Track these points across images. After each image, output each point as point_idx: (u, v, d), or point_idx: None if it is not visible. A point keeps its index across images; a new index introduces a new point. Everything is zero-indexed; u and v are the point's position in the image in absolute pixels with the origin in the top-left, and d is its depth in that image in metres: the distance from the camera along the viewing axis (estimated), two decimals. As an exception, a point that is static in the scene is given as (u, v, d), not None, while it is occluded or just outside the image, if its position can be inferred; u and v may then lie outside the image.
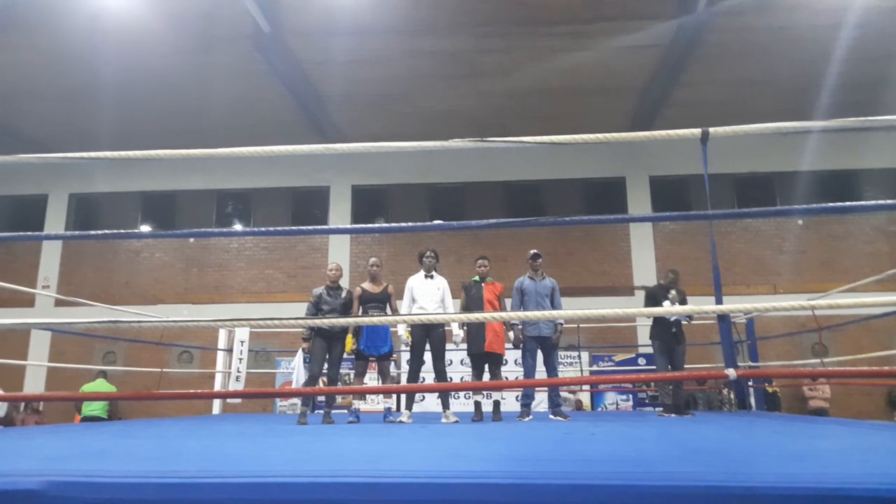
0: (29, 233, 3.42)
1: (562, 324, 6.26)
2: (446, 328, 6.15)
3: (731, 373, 2.38)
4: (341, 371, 6.92)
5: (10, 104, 10.67)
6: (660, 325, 6.55)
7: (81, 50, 8.91)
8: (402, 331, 6.03)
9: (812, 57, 9.22)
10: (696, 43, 8.81)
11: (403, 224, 3.94)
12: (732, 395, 8.35)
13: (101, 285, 12.31)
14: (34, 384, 11.84)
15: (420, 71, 9.69)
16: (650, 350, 10.92)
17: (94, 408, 9.08)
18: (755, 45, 9.05)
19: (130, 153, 3.05)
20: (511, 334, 6.11)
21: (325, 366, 5.97)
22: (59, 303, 11.65)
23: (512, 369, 9.00)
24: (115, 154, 3.06)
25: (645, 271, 11.76)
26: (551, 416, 6.16)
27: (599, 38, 8.84)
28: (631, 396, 10.24)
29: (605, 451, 2.61)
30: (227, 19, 8.36)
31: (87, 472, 1.79)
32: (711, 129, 2.74)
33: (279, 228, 3.93)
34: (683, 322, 6.63)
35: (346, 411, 6.77)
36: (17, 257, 12.60)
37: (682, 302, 6.37)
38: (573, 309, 3.29)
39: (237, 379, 8.63)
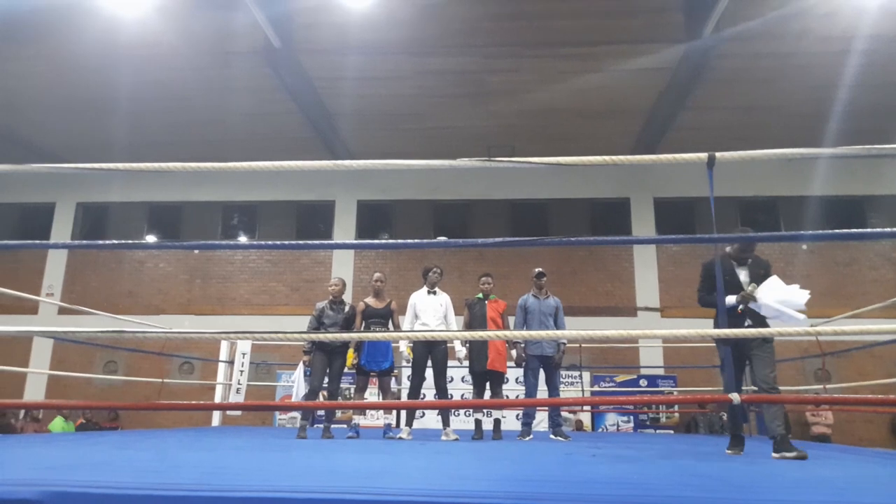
0: (33, 241, 3.43)
1: (565, 343, 6.25)
2: (449, 345, 6.14)
3: (735, 397, 2.37)
4: (342, 385, 6.91)
5: (25, 115, 10.76)
6: (727, 318, 3.93)
7: (96, 62, 8.99)
8: (404, 347, 6.02)
9: (819, 84, 9.25)
10: (702, 68, 8.85)
11: (409, 241, 3.95)
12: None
13: (104, 294, 12.32)
14: (35, 392, 11.82)
15: (428, 90, 9.75)
16: (652, 371, 10.93)
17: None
18: (762, 71, 9.09)
19: (139, 165, 3.08)
20: (514, 352, 6.10)
21: (326, 380, 5.97)
22: (62, 311, 11.65)
23: (513, 387, 8.97)
24: (124, 166, 3.09)
25: (648, 292, 11.73)
26: (552, 436, 6.13)
27: (607, 61, 8.90)
28: (632, 418, 10.18)
29: (607, 474, 2.59)
30: (239, 34, 8.44)
31: (86, 482, 1.79)
32: (718, 154, 2.75)
33: (284, 242, 3.94)
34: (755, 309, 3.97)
35: (345, 426, 6.74)
36: (22, 264, 12.63)
37: (763, 278, 4.03)
38: (575, 328, 3.28)
39: (237, 391, 8.60)
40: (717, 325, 3.92)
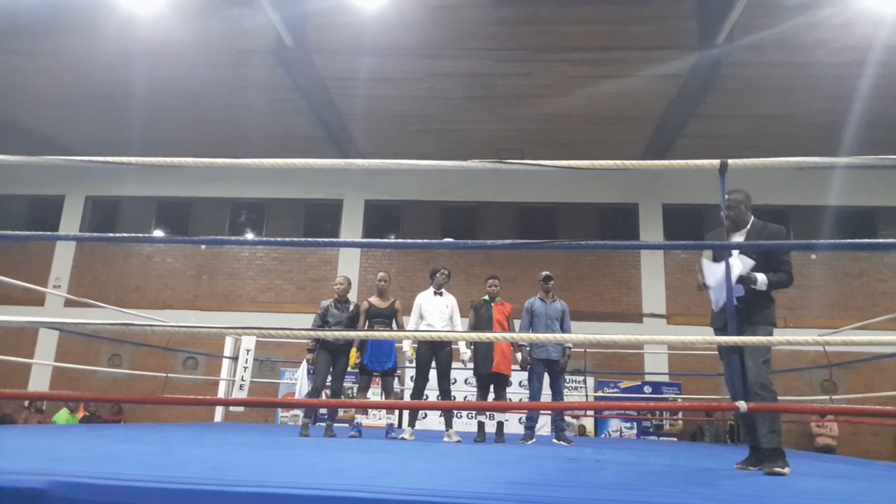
0: (40, 232, 3.46)
1: (570, 347, 6.23)
2: (454, 347, 6.13)
3: (742, 405, 2.35)
4: (345, 384, 6.91)
5: (40, 110, 10.84)
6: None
7: (112, 59, 9.04)
8: (407, 347, 6.02)
9: (833, 94, 9.20)
10: (714, 76, 8.83)
11: (416, 241, 3.95)
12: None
13: (111, 288, 12.37)
14: (39, 383, 11.88)
15: (439, 92, 9.76)
16: (656, 378, 10.88)
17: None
18: (774, 81, 9.05)
19: (148, 160, 3.08)
20: (519, 356, 6.08)
21: (329, 378, 5.97)
22: (68, 303, 11.72)
23: (517, 391, 8.95)
24: (134, 160, 3.09)
25: (654, 299, 11.70)
26: (554, 441, 6.12)
27: (618, 67, 8.88)
28: (635, 424, 10.15)
29: (611, 479, 2.58)
30: (252, 33, 8.47)
31: (93, 473, 1.80)
32: (730, 161, 2.74)
33: (291, 240, 3.97)
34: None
35: (347, 425, 6.74)
36: (30, 256, 12.70)
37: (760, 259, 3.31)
38: (580, 333, 3.27)
39: (241, 387, 8.62)
40: (715, 318, 3.56)
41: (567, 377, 8.03)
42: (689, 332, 3.50)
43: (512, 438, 6.24)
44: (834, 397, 7.88)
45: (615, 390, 10.48)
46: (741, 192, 3.54)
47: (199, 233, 12.77)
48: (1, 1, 7.82)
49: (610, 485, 2.39)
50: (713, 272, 3.37)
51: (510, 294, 7.23)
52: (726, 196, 3.37)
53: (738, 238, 3.47)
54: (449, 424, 5.84)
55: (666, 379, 10.73)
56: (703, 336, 2.67)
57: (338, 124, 10.84)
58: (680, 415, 9.95)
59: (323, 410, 7.20)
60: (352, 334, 5.55)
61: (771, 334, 3.30)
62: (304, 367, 7.53)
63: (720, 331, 3.48)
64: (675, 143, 10.83)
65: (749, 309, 3.29)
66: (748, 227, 3.51)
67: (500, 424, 6.05)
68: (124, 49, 8.79)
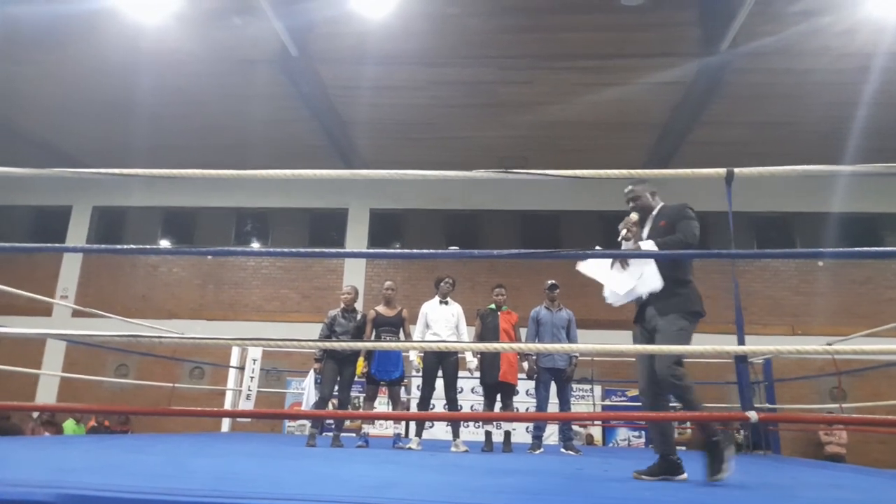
0: (46, 244, 3.48)
1: (577, 356, 6.22)
2: (460, 355, 6.13)
3: (753, 415, 2.34)
4: (352, 394, 6.91)
5: (47, 118, 10.89)
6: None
7: (117, 68, 9.10)
8: (414, 356, 6.02)
9: (836, 101, 9.18)
10: (718, 83, 8.82)
11: (424, 251, 3.96)
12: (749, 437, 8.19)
13: (117, 297, 12.40)
14: (47, 393, 11.90)
15: (442, 100, 9.79)
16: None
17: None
18: (778, 88, 9.04)
19: (154, 171, 3.09)
20: (525, 364, 6.07)
21: (336, 388, 5.97)
22: (76, 313, 11.74)
23: (524, 400, 8.93)
24: (140, 172, 3.10)
25: (660, 307, 11.64)
26: (562, 450, 6.10)
27: (622, 74, 8.89)
28: (643, 433, 10.09)
29: (619, 490, 2.57)
30: (257, 43, 8.52)
31: (100, 485, 1.80)
32: (736, 170, 2.73)
33: (296, 250, 4.00)
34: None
35: (354, 435, 6.73)
36: (37, 267, 12.75)
37: (660, 230, 3.46)
38: (586, 341, 3.27)
39: (248, 397, 8.62)
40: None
41: (574, 386, 8.01)
42: (696, 340, 3.48)
43: (519, 448, 6.22)
44: (843, 405, 7.82)
45: (623, 399, 10.43)
46: (640, 181, 3.65)
47: (205, 242, 12.80)
48: (6, 11, 7.89)
49: (619, 495, 2.37)
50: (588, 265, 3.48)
51: (515, 302, 7.22)
52: (626, 189, 3.66)
53: (648, 225, 3.60)
54: (456, 434, 5.83)
55: (673, 387, 10.66)
56: (711, 346, 2.66)
57: (341, 132, 10.88)
58: (688, 423, 9.88)
59: (330, 420, 7.20)
60: (359, 345, 5.55)
61: (686, 325, 3.24)
62: (311, 376, 7.52)
63: (639, 326, 3.52)
64: (679, 150, 10.81)
65: (659, 296, 3.29)
66: (655, 212, 3.60)
67: (507, 434, 6.04)
68: (130, 58, 8.84)
